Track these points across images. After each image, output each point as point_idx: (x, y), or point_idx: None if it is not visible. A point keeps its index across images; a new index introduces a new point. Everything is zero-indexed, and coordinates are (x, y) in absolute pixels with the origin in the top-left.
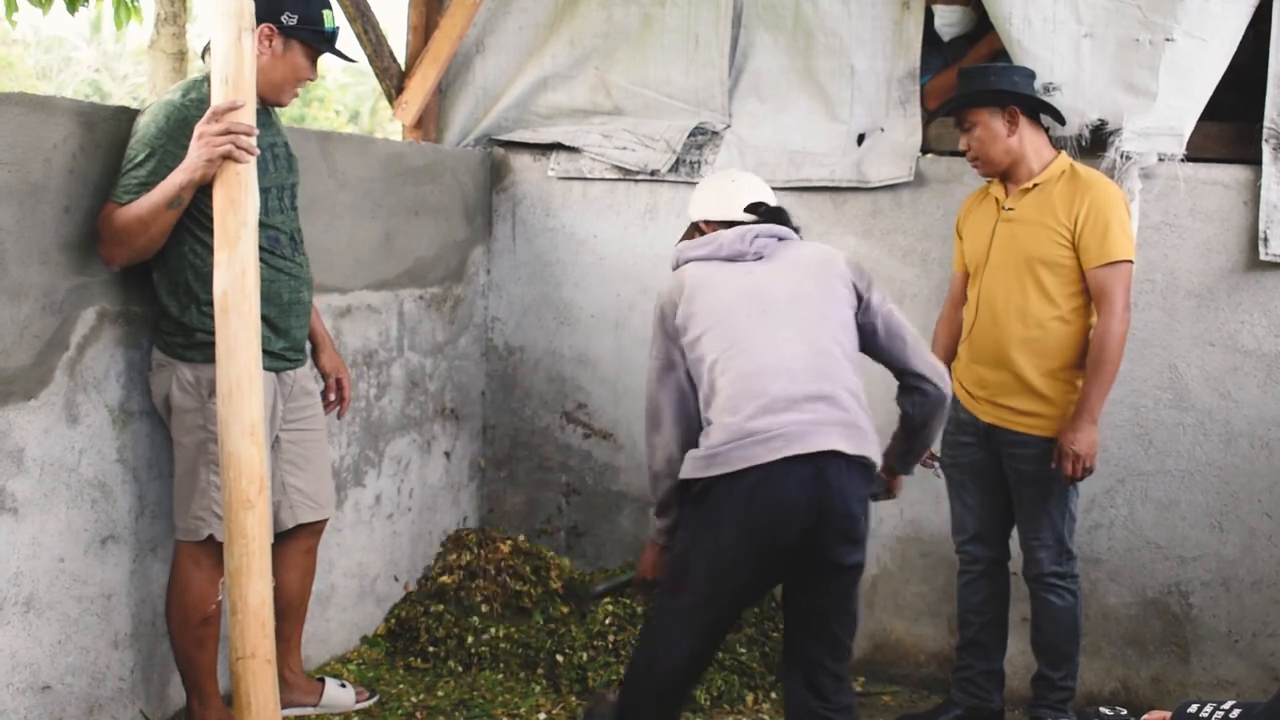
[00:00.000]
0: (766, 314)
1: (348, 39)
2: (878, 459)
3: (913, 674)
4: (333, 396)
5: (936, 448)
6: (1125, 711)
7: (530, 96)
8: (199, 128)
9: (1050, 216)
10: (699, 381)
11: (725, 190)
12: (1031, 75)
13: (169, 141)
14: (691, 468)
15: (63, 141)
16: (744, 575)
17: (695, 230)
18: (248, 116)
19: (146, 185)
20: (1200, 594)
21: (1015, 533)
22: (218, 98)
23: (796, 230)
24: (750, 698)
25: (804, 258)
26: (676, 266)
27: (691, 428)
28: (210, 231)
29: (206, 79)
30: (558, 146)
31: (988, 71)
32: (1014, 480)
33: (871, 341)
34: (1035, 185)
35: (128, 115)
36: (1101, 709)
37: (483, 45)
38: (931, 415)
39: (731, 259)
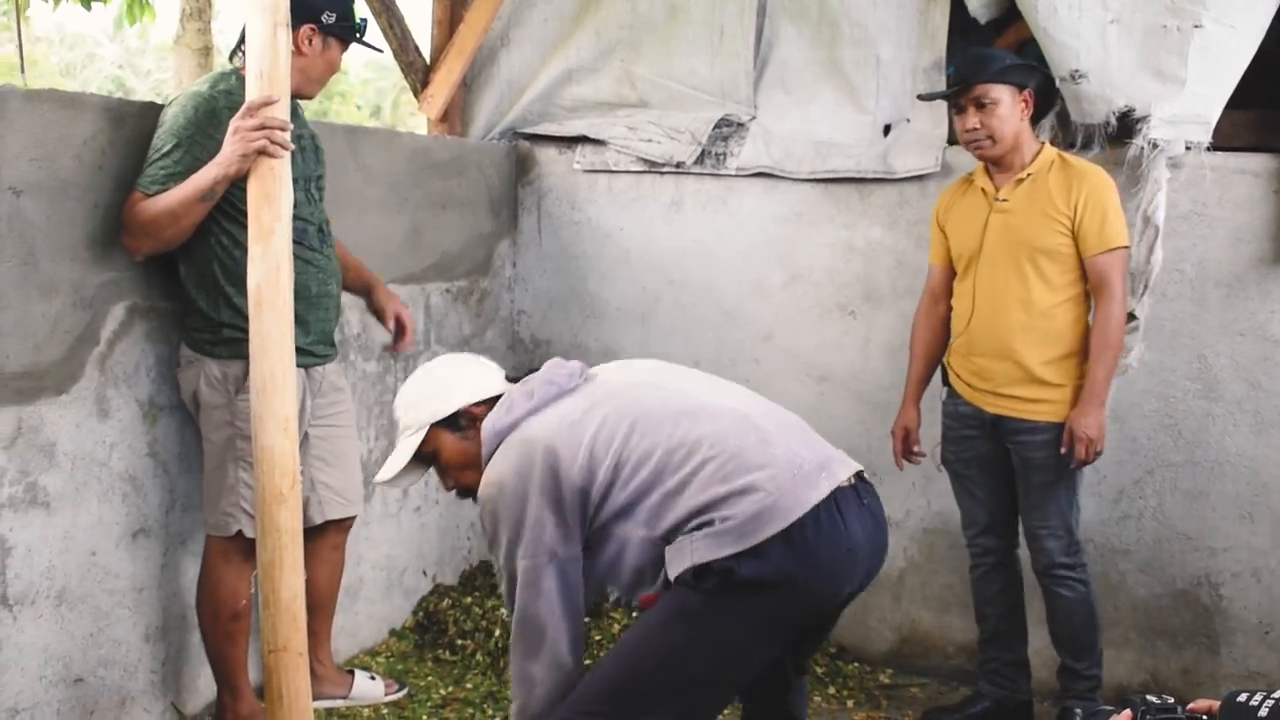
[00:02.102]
0: (669, 387)
1: (373, 33)
2: None
3: (941, 666)
4: (392, 327)
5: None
6: (1172, 700)
7: (555, 89)
8: (234, 122)
9: (1048, 205)
10: (644, 498)
11: (474, 368)
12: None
13: (197, 132)
14: (717, 545)
15: (92, 137)
16: (771, 652)
17: (456, 423)
18: (282, 111)
19: (173, 176)
20: (1230, 585)
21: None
22: (253, 93)
23: None
24: None
25: (614, 366)
26: (499, 443)
27: (580, 617)
28: (237, 223)
29: (234, 72)
30: (583, 139)
31: (1001, 55)
32: (1021, 469)
33: None
34: (1028, 175)
35: (156, 110)
36: (1148, 696)
37: (507, 38)
38: None
39: (562, 394)
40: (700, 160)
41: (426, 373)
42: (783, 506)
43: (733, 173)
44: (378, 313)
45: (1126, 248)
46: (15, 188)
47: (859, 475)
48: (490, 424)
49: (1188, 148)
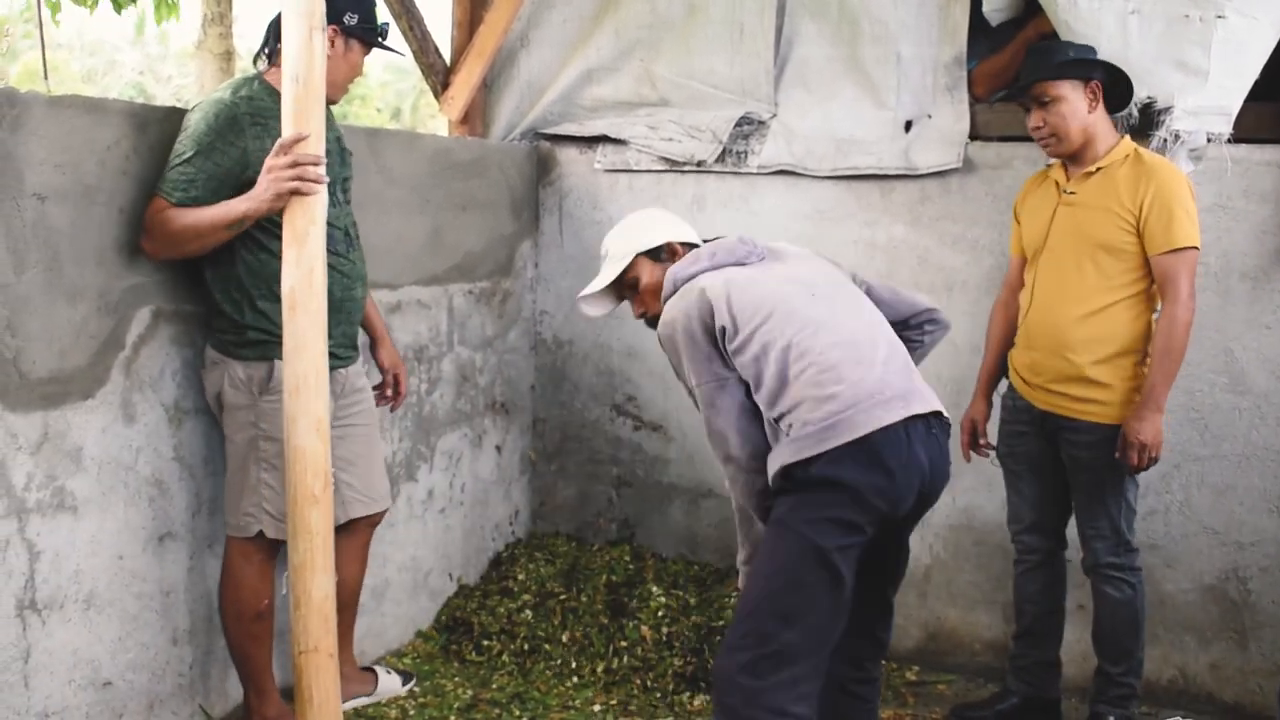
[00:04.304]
0: (820, 293)
1: (393, 35)
2: None
3: (968, 663)
4: (389, 392)
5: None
6: None
7: (575, 89)
8: (268, 161)
9: (1114, 201)
10: (761, 378)
11: (674, 219)
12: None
13: (218, 139)
14: (798, 449)
15: (116, 143)
16: (846, 558)
17: (658, 255)
18: (315, 147)
19: (194, 182)
20: (1259, 579)
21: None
22: (289, 97)
23: None
24: None
25: (801, 254)
26: (677, 288)
27: (758, 441)
28: (261, 227)
29: (258, 77)
30: (604, 139)
31: (1065, 46)
32: (1071, 468)
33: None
34: (1099, 169)
35: (179, 115)
36: None
37: (527, 39)
38: (936, 343)
39: (739, 264)
40: (721, 159)
41: (637, 214)
42: (856, 421)
43: (754, 171)
44: (380, 367)
45: (1195, 249)
46: (40, 194)
47: (937, 414)
48: (674, 270)
49: (1209, 140)
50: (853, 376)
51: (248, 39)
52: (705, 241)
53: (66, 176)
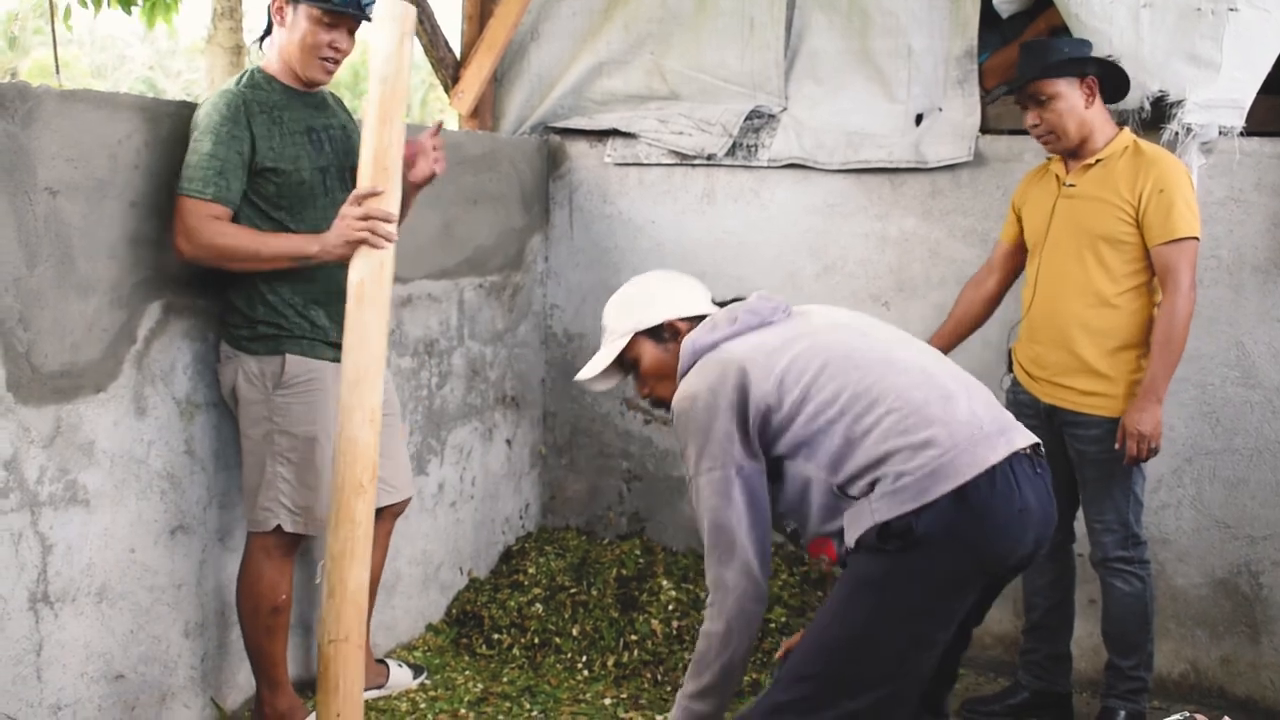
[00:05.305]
0: (871, 335)
1: None
2: None
3: (978, 656)
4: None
5: None
6: None
7: (585, 83)
8: (343, 209)
9: (1113, 192)
10: (822, 440)
11: (683, 286)
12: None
13: (233, 127)
14: (898, 502)
15: (127, 137)
16: (951, 616)
17: (659, 335)
18: (389, 204)
19: (222, 174)
20: (1270, 574)
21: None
22: (375, 98)
23: None
24: None
25: (825, 308)
26: (696, 359)
27: (768, 530)
28: (272, 220)
29: (259, 69)
30: (614, 133)
31: (1059, 43)
32: (1077, 462)
33: None
34: (1098, 161)
35: (190, 110)
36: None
37: (537, 33)
38: None
39: (764, 324)
40: (732, 152)
41: (639, 283)
42: (959, 464)
43: (764, 164)
44: (412, 180)
45: (1195, 239)
46: (51, 188)
47: (1034, 447)
48: (691, 341)
49: (1221, 133)
50: (944, 416)
51: (257, 33)
52: (719, 305)
53: (78, 171)
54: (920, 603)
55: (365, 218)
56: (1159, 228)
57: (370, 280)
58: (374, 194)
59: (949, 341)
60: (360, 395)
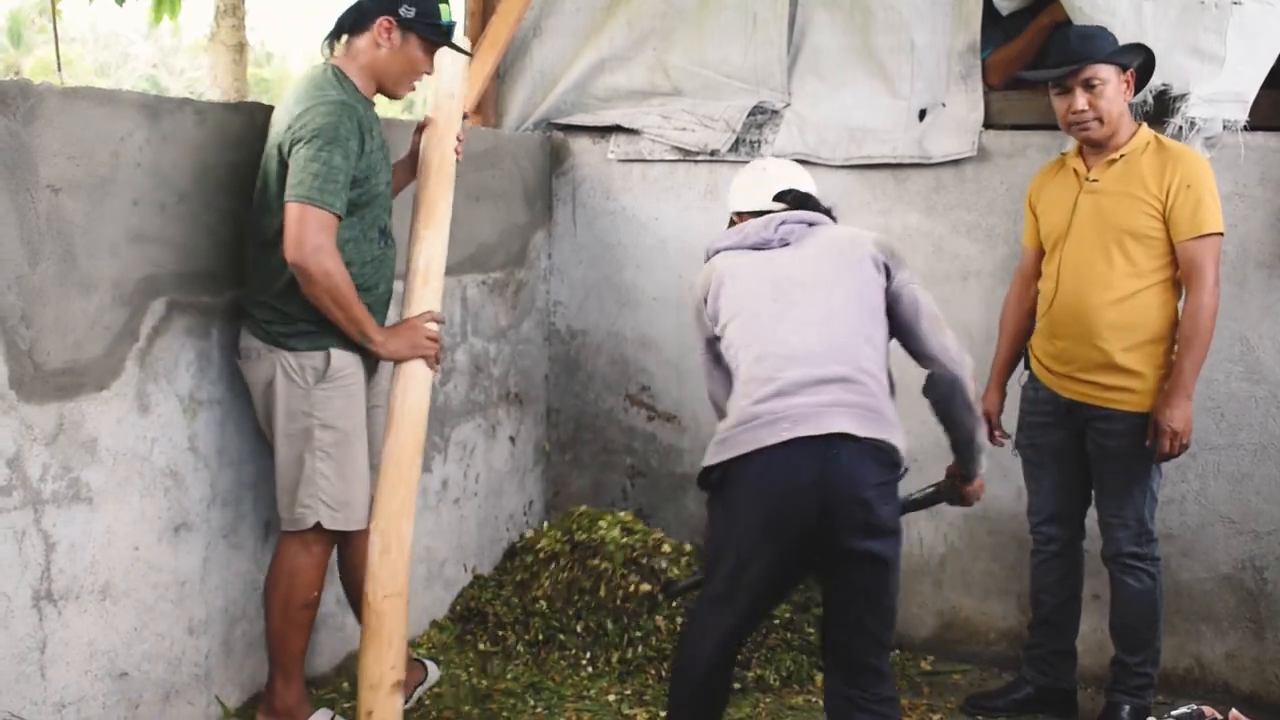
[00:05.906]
0: (786, 299)
1: None
2: (898, 444)
3: (983, 652)
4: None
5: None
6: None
7: (588, 79)
8: (416, 319)
9: (1139, 188)
10: (732, 368)
11: (756, 179)
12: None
13: (355, 141)
14: (708, 454)
15: (129, 135)
16: (761, 562)
17: (732, 221)
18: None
19: (345, 188)
20: (1275, 569)
21: (1093, 511)
22: (441, 110)
23: (829, 213)
24: (819, 677)
25: (832, 241)
26: (708, 258)
27: (722, 383)
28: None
29: (343, 72)
30: (617, 129)
31: (1106, 31)
32: (1096, 457)
33: (897, 323)
34: (1121, 156)
35: (193, 107)
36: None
37: (540, 29)
38: (947, 400)
39: (757, 247)
40: (735, 148)
41: (753, 166)
42: (739, 439)
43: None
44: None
45: (1220, 234)
46: (53, 185)
47: (852, 436)
48: (714, 240)
49: (1225, 127)
50: (757, 394)
51: (260, 31)
52: (777, 199)
53: (80, 168)
54: (722, 530)
55: (435, 339)
56: (1186, 223)
57: (435, 261)
58: (442, 320)
59: (1010, 369)
60: (417, 364)
